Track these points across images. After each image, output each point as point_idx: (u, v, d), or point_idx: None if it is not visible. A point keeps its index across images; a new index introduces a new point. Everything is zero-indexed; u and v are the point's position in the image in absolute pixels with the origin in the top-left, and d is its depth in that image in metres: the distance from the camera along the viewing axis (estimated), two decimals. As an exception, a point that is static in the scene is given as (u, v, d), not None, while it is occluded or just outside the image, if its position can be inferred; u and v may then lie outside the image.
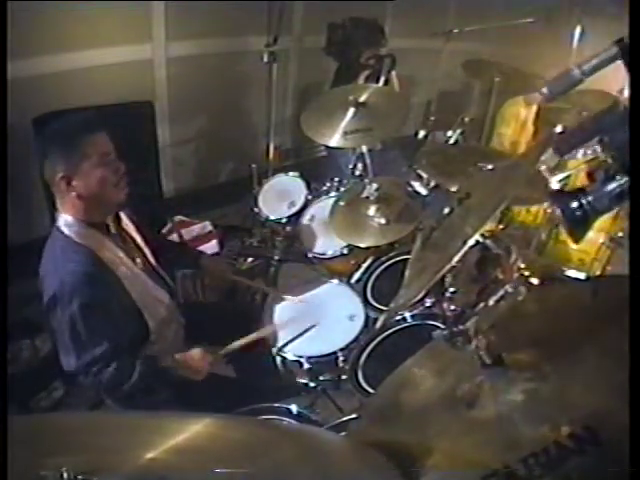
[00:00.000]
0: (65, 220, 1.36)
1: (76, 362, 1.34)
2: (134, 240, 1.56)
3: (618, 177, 0.64)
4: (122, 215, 1.54)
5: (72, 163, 1.31)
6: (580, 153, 2.36)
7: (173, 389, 1.45)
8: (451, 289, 1.62)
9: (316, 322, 1.68)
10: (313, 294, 1.81)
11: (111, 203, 1.43)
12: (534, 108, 3.38)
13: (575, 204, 0.66)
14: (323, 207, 2.22)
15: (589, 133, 0.69)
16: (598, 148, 0.66)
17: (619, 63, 0.68)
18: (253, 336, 1.58)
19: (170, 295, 1.59)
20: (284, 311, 1.76)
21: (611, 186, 0.64)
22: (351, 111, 1.90)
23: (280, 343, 1.64)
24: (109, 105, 2.41)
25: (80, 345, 1.32)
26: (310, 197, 2.32)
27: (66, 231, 1.35)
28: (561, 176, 2.13)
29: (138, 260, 1.50)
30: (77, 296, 1.28)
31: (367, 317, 1.72)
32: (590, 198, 0.65)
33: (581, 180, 2.40)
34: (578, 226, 0.68)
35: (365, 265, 2.00)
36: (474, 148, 2.06)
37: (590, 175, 0.67)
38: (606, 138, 0.65)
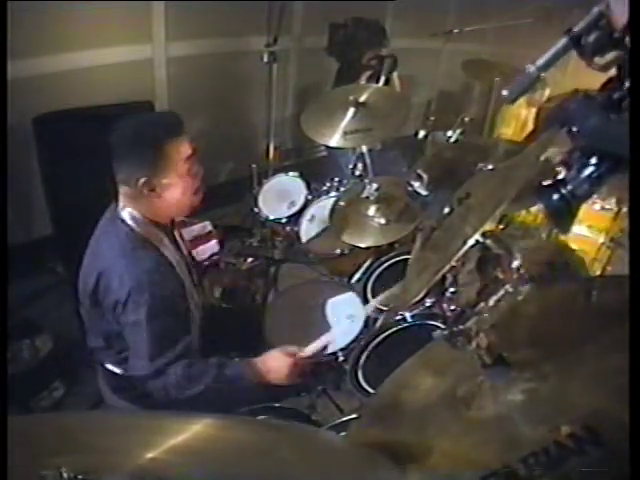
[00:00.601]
0: (131, 214, 1.31)
1: (149, 365, 1.28)
2: (179, 243, 1.54)
3: (593, 161, 0.64)
4: None
5: (156, 168, 1.27)
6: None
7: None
8: (451, 289, 1.62)
9: (316, 322, 1.68)
10: (313, 294, 1.82)
11: (183, 209, 1.41)
12: (534, 108, 3.38)
13: (556, 195, 0.67)
14: (323, 207, 2.22)
15: (555, 127, 0.69)
16: (568, 138, 0.66)
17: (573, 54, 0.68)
18: (323, 340, 1.46)
19: (198, 294, 1.58)
20: (284, 312, 1.76)
21: (588, 171, 0.65)
22: (351, 111, 1.90)
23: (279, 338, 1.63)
24: (109, 105, 2.41)
25: (155, 348, 1.27)
26: (310, 197, 2.33)
27: (133, 225, 1.30)
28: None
29: (184, 265, 1.47)
30: (154, 296, 1.24)
31: (367, 317, 1.72)
32: (570, 187, 0.66)
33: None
34: (563, 216, 0.68)
35: (365, 265, 2.00)
36: (476, 145, 2.06)
37: (565, 164, 0.68)
38: (574, 128, 0.65)
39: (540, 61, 0.71)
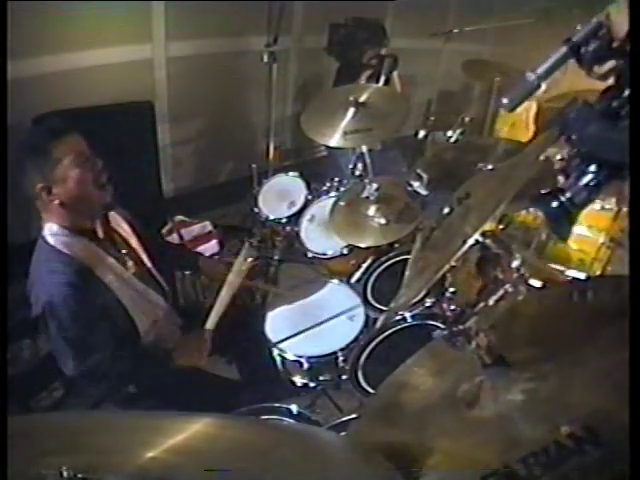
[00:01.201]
0: (50, 229, 1.34)
1: (74, 369, 1.34)
2: (127, 242, 1.54)
3: (591, 169, 0.65)
4: (112, 217, 1.51)
5: (47, 171, 1.28)
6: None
7: (173, 389, 1.45)
8: (451, 289, 1.62)
9: (316, 321, 1.68)
10: (313, 294, 1.82)
11: (96, 205, 1.40)
12: (534, 108, 3.38)
13: (555, 203, 0.67)
14: (323, 207, 2.22)
15: (555, 128, 0.71)
16: (567, 146, 0.67)
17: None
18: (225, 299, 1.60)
19: (164, 297, 1.58)
20: (284, 311, 1.76)
21: (586, 179, 0.66)
22: (351, 111, 1.90)
23: (279, 338, 1.65)
24: (109, 105, 2.42)
25: (76, 353, 1.32)
26: (310, 197, 2.33)
27: (51, 240, 1.33)
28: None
29: (130, 264, 1.49)
30: (65, 308, 1.28)
31: (367, 317, 1.72)
32: (568, 194, 0.67)
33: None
34: (562, 224, 0.69)
35: (365, 265, 2.00)
36: (476, 145, 2.05)
37: (563, 171, 0.68)
38: (573, 136, 0.66)
39: (540, 70, 0.72)
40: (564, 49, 0.69)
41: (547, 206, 0.68)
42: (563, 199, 0.67)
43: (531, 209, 2.53)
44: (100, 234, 1.44)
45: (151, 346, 1.48)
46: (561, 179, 0.68)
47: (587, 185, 0.66)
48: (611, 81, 0.66)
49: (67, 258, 1.31)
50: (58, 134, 1.32)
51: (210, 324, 1.54)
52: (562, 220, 0.68)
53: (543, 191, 0.69)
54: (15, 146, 1.35)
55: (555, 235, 0.73)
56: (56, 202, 1.31)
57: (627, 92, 0.62)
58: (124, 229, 1.55)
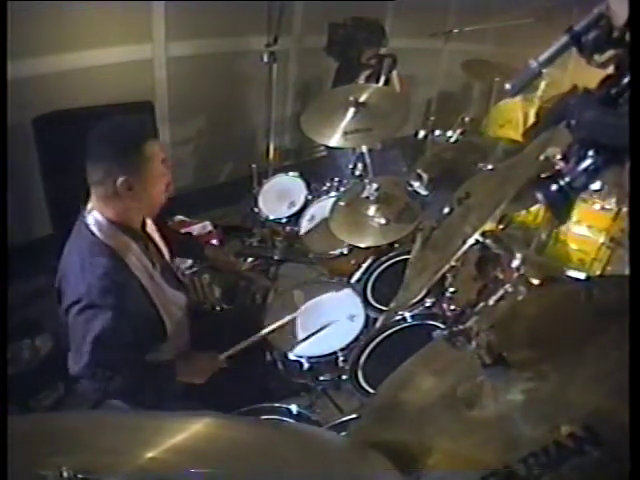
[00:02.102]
0: (96, 219, 1.32)
1: (85, 367, 1.29)
2: (154, 242, 1.53)
3: (590, 153, 0.67)
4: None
5: (135, 167, 1.29)
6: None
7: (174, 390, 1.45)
8: (451, 289, 1.62)
9: (328, 322, 1.68)
10: (313, 294, 1.82)
11: (154, 209, 1.42)
12: (534, 108, 3.38)
13: (555, 187, 0.69)
14: (323, 207, 2.22)
15: (554, 121, 0.72)
16: (567, 132, 0.69)
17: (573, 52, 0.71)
18: (254, 338, 1.58)
19: (186, 297, 1.58)
20: (284, 312, 1.76)
21: (585, 163, 0.68)
22: (351, 111, 1.90)
23: (291, 343, 1.65)
24: (109, 105, 2.41)
25: (97, 352, 1.27)
26: (310, 197, 2.33)
27: (95, 230, 1.31)
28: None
29: (157, 265, 1.47)
30: (104, 305, 1.25)
31: (367, 317, 1.72)
32: (568, 179, 0.69)
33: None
34: (561, 207, 0.71)
35: (365, 265, 2.00)
36: (476, 145, 2.06)
37: (564, 157, 0.70)
38: (573, 121, 0.67)
39: (542, 57, 0.74)
40: (565, 38, 0.71)
41: (547, 190, 0.69)
42: (562, 183, 0.69)
43: (532, 208, 2.54)
44: (139, 233, 1.44)
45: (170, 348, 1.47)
46: (561, 164, 0.70)
47: (586, 169, 0.67)
48: (611, 70, 0.67)
49: (111, 251, 1.30)
50: (150, 135, 1.36)
51: (227, 354, 1.52)
52: (561, 204, 0.70)
53: (543, 175, 0.70)
54: (93, 132, 1.31)
55: (555, 219, 0.73)
56: (128, 199, 1.30)
57: (626, 79, 0.64)
58: (148, 224, 1.54)
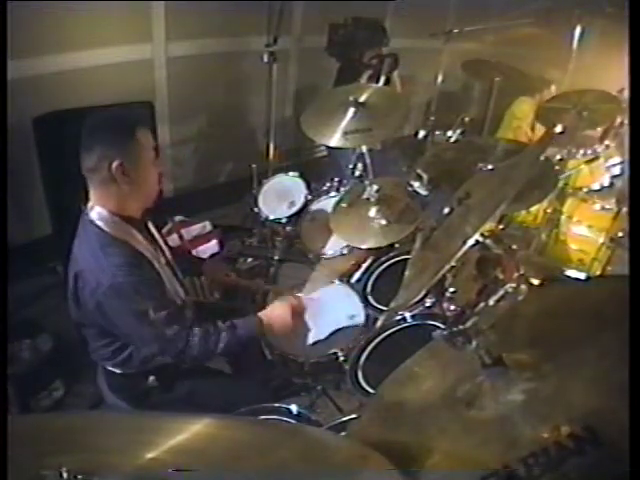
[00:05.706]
0: (99, 213, 1.32)
1: (158, 347, 1.35)
2: (154, 237, 1.54)
3: None
4: None
5: (130, 152, 1.29)
6: (580, 153, 2.37)
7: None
8: (451, 289, 1.62)
9: (336, 326, 1.69)
10: (313, 294, 1.82)
11: (150, 199, 1.42)
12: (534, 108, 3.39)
13: None
14: (323, 207, 2.22)
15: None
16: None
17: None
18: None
19: (185, 292, 1.58)
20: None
21: None
22: (351, 111, 1.90)
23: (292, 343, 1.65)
24: (109, 105, 2.41)
25: (156, 330, 1.32)
26: (310, 197, 2.33)
27: (101, 224, 1.31)
28: (562, 175, 2.13)
29: (161, 257, 1.49)
30: (135, 285, 1.27)
31: (367, 317, 1.72)
32: None
33: (582, 180, 2.41)
34: None
35: (365, 265, 2.00)
36: (476, 145, 2.05)
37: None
38: None
39: None
40: None
41: None
42: None
43: (532, 208, 2.53)
44: (142, 226, 1.45)
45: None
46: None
47: None
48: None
49: (120, 242, 1.31)
50: (142, 122, 1.36)
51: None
52: None
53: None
54: (86, 123, 1.32)
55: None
56: (124, 184, 1.30)
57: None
58: (149, 224, 1.54)
